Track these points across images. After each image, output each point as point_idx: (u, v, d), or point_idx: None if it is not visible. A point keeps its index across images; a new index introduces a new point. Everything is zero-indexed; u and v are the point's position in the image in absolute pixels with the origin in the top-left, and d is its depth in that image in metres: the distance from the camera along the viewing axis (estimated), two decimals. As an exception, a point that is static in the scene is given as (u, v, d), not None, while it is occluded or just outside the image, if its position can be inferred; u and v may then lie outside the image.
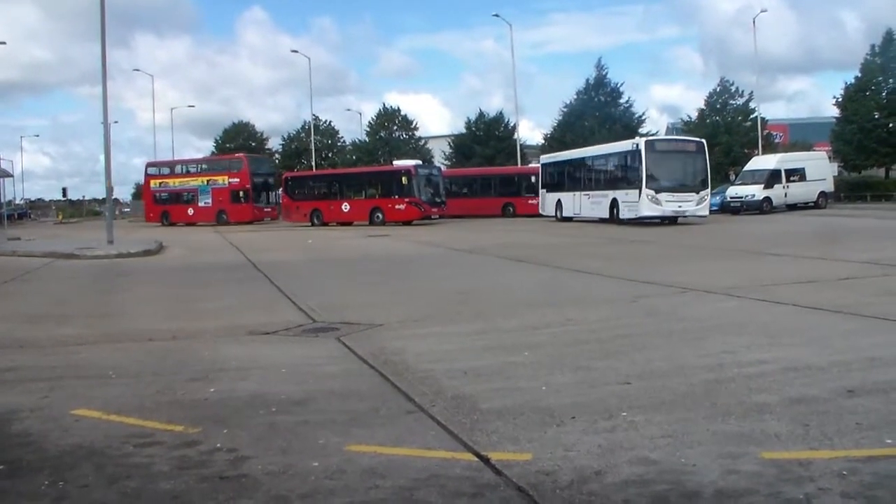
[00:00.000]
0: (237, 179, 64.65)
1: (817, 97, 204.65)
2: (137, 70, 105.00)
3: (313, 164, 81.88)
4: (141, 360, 9.50)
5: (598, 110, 69.25)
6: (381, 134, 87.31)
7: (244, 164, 65.53)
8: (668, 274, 16.63)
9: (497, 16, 71.78)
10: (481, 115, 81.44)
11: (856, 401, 6.64)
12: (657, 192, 37.05)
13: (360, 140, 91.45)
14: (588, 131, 65.15)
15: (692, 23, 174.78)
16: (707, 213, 38.88)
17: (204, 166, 70.11)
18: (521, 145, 73.65)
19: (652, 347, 9.23)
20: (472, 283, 16.98)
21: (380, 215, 49.88)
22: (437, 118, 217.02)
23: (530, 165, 63.52)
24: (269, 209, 66.02)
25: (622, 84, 75.44)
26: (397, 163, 55.57)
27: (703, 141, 40.56)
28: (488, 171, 64.43)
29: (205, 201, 66.22)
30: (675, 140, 44.09)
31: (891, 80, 63.90)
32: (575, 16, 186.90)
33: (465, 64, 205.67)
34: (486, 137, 78.44)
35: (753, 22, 66.33)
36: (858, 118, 62.69)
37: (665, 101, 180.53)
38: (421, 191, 49.21)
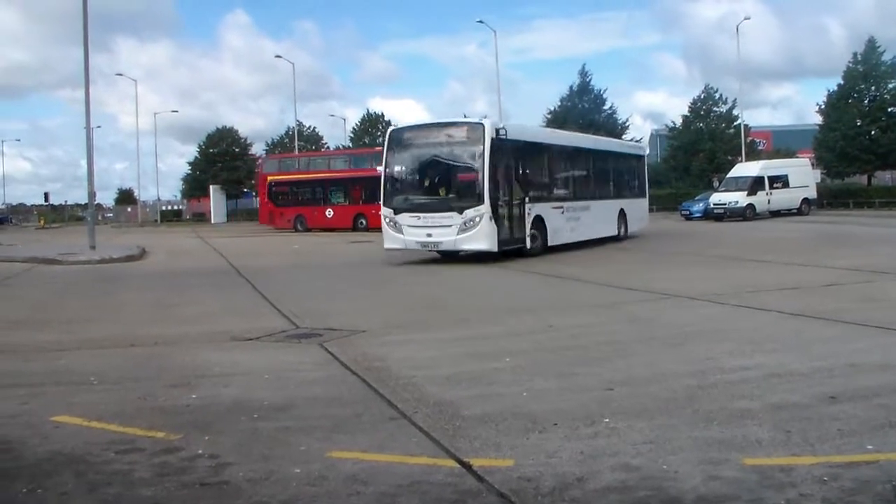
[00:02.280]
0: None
1: (801, 104, 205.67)
2: (121, 75, 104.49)
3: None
4: (122, 366, 9.46)
5: (582, 117, 69.30)
6: (366, 140, 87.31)
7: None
8: (649, 281, 16.65)
9: (481, 22, 71.16)
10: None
11: (837, 407, 6.66)
12: (396, 212, 23.36)
13: (344, 146, 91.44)
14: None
15: (676, 29, 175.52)
16: (487, 246, 22.21)
17: (339, 161, 60.25)
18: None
19: (634, 354, 9.25)
20: (453, 289, 17.00)
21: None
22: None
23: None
24: None
25: (606, 90, 75.76)
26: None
27: (483, 123, 22.90)
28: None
29: (339, 202, 56.04)
30: (429, 126, 25.07)
31: (873, 88, 64.30)
32: (559, 22, 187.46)
33: (448, 70, 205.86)
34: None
35: (737, 29, 66.49)
36: (841, 125, 63.01)
37: (649, 107, 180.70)
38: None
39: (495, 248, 22.20)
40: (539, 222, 24.63)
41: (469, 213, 21.90)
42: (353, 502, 4.96)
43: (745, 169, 51.66)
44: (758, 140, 78.44)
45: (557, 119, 71.16)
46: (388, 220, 23.42)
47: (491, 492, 5.04)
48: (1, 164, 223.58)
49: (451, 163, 23.02)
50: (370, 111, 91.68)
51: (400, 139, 23.97)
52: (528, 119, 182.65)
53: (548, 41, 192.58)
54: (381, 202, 23.95)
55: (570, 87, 75.24)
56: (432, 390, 7.75)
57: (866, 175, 66.62)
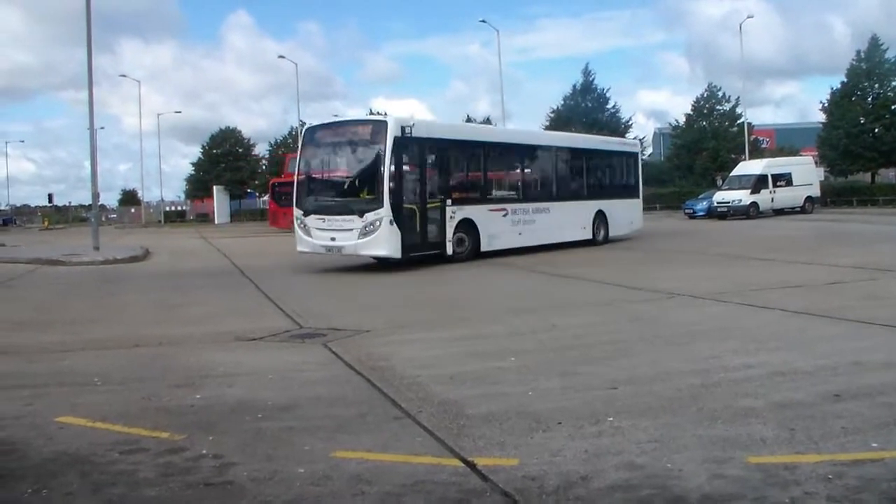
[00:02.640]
0: None
1: (805, 102, 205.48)
2: (124, 76, 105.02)
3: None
4: (126, 367, 9.46)
5: (586, 116, 69.27)
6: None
7: None
8: (654, 279, 16.64)
9: (484, 21, 71.26)
10: (469, 120, 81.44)
11: (842, 405, 6.66)
12: (305, 213, 22.34)
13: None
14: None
15: (679, 28, 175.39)
16: (386, 252, 20.87)
17: None
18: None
19: (638, 353, 9.25)
20: (455, 288, 17.02)
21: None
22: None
23: None
24: None
25: (609, 89, 75.75)
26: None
27: (386, 119, 21.89)
28: None
29: None
30: (337, 124, 24.15)
31: (876, 86, 64.24)
32: (562, 21, 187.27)
33: (451, 69, 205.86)
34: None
35: (740, 27, 66.50)
36: (845, 123, 62.93)
37: (652, 106, 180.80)
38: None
39: (398, 255, 20.84)
40: (468, 226, 23.12)
41: (369, 216, 20.58)
42: (357, 502, 4.96)
43: (749, 167, 51.63)
44: (761, 138, 78.47)
45: (561, 118, 71.18)
46: (298, 221, 22.44)
47: (495, 491, 5.04)
48: (5, 166, 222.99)
49: (354, 163, 21.92)
50: (373, 111, 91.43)
51: (312, 137, 22.97)
52: (532, 119, 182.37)
53: (551, 40, 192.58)
54: (294, 203, 22.88)
55: (574, 87, 75.28)
56: (436, 390, 7.75)
57: (870, 173, 66.54)
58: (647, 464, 5.39)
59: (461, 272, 20.56)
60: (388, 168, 20.40)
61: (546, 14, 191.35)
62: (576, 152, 29.73)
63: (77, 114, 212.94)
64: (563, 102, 75.15)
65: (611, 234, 29.78)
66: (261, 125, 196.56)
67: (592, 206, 29.08)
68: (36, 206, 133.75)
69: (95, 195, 34.95)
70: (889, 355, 8.63)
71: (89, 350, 10.79)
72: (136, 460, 5.82)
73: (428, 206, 21.82)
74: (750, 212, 46.36)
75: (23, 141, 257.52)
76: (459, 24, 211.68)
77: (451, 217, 22.42)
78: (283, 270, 22.10)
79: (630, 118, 76.14)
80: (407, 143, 21.14)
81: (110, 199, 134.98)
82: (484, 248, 23.56)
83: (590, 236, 28.72)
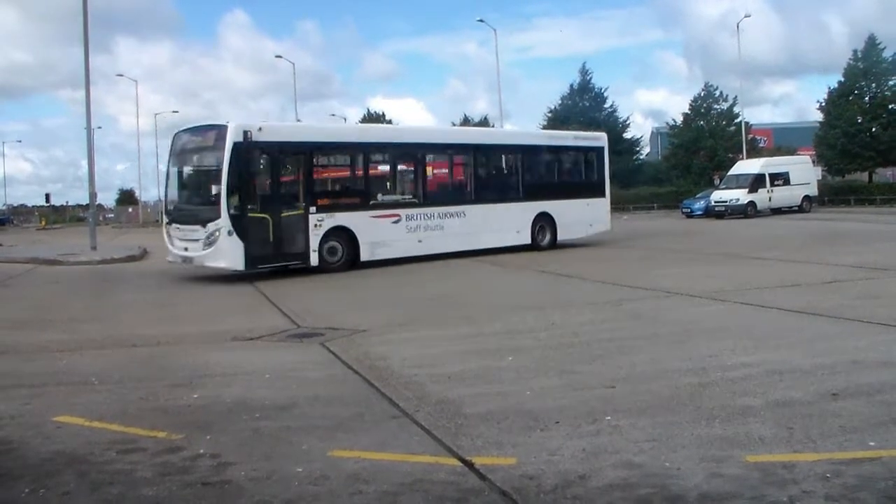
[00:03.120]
0: None
1: (803, 101, 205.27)
2: (121, 75, 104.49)
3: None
4: (124, 367, 9.46)
5: (583, 115, 69.27)
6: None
7: None
8: (652, 278, 16.65)
9: (482, 21, 71.19)
10: (466, 119, 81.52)
11: (839, 403, 6.67)
12: (168, 222, 21.93)
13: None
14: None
15: (676, 27, 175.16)
16: (227, 264, 19.69)
17: None
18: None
19: (636, 351, 9.25)
20: (454, 287, 17.01)
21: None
22: (421, 123, 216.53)
23: None
24: None
25: (606, 89, 75.82)
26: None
27: (226, 125, 20.07)
28: None
29: None
30: (193, 129, 22.06)
31: (874, 85, 64.25)
32: (560, 20, 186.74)
33: (449, 68, 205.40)
34: (471, 143, 78.24)
35: (738, 26, 66.48)
36: (842, 123, 62.93)
37: (650, 105, 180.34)
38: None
39: (240, 267, 19.68)
40: (343, 234, 21.57)
41: (210, 226, 19.56)
42: (355, 501, 4.96)
43: (746, 166, 51.60)
44: (759, 137, 78.35)
45: (558, 118, 71.22)
46: (165, 229, 21.80)
47: (493, 490, 5.04)
48: (2, 165, 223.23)
49: (203, 171, 21.34)
50: (371, 110, 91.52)
51: (175, 143, 21.88)
52: (529, 117, 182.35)
53: (549, 39, 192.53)
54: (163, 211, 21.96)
55: (571, 86, 75.37)
56: (434, 389, 7.75)
57: (867, 172, 66.58)
58: (645, 462, 5.39)
59: (459, 271, 20.55)
60: (226, 176, 19.28)
61: (544, 13, 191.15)
62: (505, 150, 28.12)
63: (74, 113, 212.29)
64: (560, 102, 75.20)
65: (562, 237, 27.30)
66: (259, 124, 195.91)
67: (532, 207, 26.67)
68: (33, 206, 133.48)
69: (93, 195, 34.89)
70: (887, 354, 8.64)
71: (87, 350, 10.79)
72: (133, 460, 5.82)
73: (284, 214, 20.45)
74: (748, 211, 46.34)
75: (20, 141, 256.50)
76: (457, 22, 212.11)
77: (316, 225, 20.93)
78: (280, 270, 22.06)
79: (628, 117, 76.40)
80: (253, 149, 19.90)
81: (108, 198, 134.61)
82: (365, 257, 21.89)
83: (528, 241, 26.35)
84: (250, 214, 19.67)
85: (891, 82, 63.63)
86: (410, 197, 24.66)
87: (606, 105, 74.12)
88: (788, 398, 6.92)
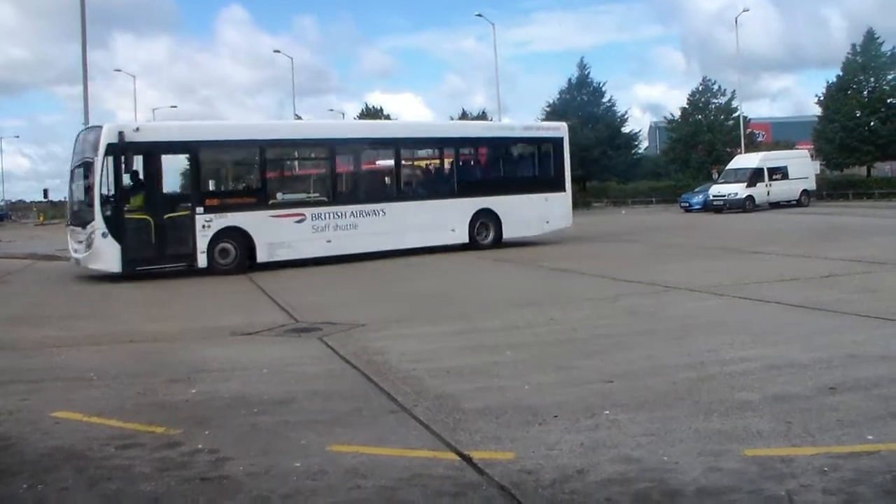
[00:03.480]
0: None
1: (801, 95, 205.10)
2: (119, 70, 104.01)
3: (296, 164, 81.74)
4: (122, 362, 9.46)
5: (581, 110, 69.17)
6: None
7: None
8: (650, 273, 16.65)
9: (480, 15, 71.05)
10: (464, 114, 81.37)
11: (837, 397, 6.67)
12: (67, 223, 22.86)
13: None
14: (571, 131, 65.18)
15: (675, 22, 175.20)
16: (105, 266, 19.64)
17: None
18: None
19: (634, 346, 9.25)
20: (451, 283, 17.02)
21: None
22: (419, 118, 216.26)
23: None
24: None
25: (604, 83, 75.72)
26: (379, 163, 55.64)
27: (101, 126, 20.22)
28: None
29: None
30: (87, 130, 22.16)
31: (872, 80, 64.24)
32: (558, 15, 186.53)
33: (447, 63, 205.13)
34: (468, 137, 78.22)
35: (736, 21, 66.41)
36: (840, 117, 62.92)
37: (648, 100, 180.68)
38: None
39: (117, 269, 19.35)
40: (237, 235, 20.91)
41: (88, 228, 19.54)
42: (353, 496, 4.96)
43: (745, 161, 51.58)
44: (757, 132, 78.29)
45: (556, 112, 71.06)
46: (68, 230, 21.72)
47: (491, 484, 5.04)
48: (0, 161, 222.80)
49: (86, 172, 20.20)
50: (369, 105, 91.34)
51: (75, 143, 21.63)
52: (528, 112, 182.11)
53: (547, 34, 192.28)
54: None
55: (569, 80, 75.09)
56: (432, 383, 7.75)
57: (865, 166, 66.58)
58: (643, 457, 5.39)
59: (458, 266, 20.55)
60: (98, 178, 19.11)
61: (542, 7, 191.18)
62: (434, 143, 26.50)
63: (72, 109, 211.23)
64: (558, 96, 75.08)
65: (509, 235, 25.76)
66: (256, 119, 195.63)
67: (470, 203, 25.16)
68: (31, 202, 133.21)
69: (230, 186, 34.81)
70: (884, 348, 8.63)
71: (85, 345, 10.80)
72: (131, 455, 5.81)
73: (168, 215, 20.11)
74: (746, 205, 46.33)
75: (17, 136, 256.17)
76: (455, 17, 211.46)
77: (204, 226, 20.38)
78: (278, 265, 22.04)
79: (626, 112, 75.80)
80: (129, 150, 19.43)
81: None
82: (262, 258, 21.19)
83: (465, 239, 24.96)
84: (128, 216, 19.52)
85: (889, 76, 63.62)
86: (318, 195, 23.98)
87: (605, 99, 73.87)
88: (786, 392, 6.92)
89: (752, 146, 66.91)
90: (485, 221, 25.43)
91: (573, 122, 65.32)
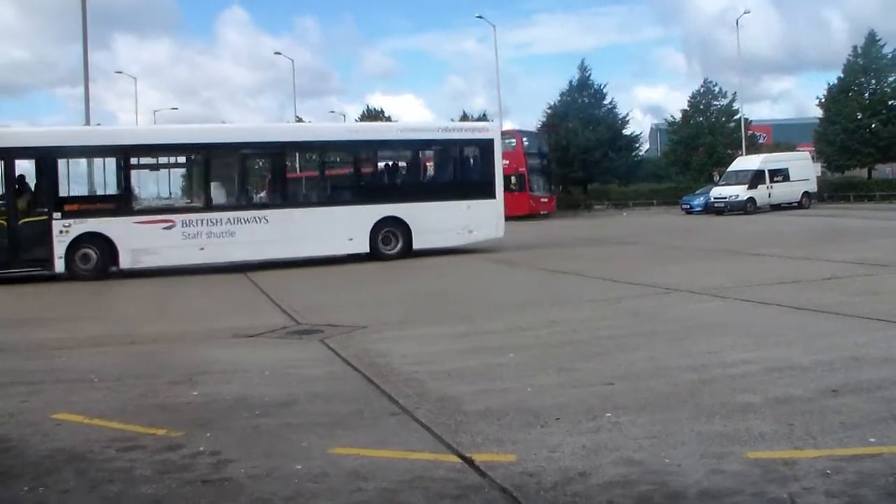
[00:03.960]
0: (506, 162, 43.94)
1: (802, 97, 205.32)
2: (120, 72, 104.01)
3: (297, 165, 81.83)
4: (123, 364, 9.44)
5: (582, 111, 69.13)
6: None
7: (517, 143, 51.71)
8: (652, 274, 16.64)
9: (481, 17, 71.31)
10: (465, 116, 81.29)
11: (840, 400, 6.66)
12: None
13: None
14: (572, 133, 65.15)
15: (676, 23, 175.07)
16: None
17: None
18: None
19: (636, 348, 9.24)
20: (452, 284, 17.01)
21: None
22: (420, 119, 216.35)
23: None
24: (545, 199, 54.27)
25: (605, 85, 75.42)
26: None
27: None
28: None
29: None
30: None
31: (873, 81, 64.24)
32: (559, 16, 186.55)
33: (448, 65, 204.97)
34: (470, 139, 78.26)
35: (737, 22, 66.47)
36: (842, 119, 62.90)
37: (649, 101, 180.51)
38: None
39: None
40: (99, 240, 20.54)
41: None
42: (355, 498, 4.95)
43: (746, 163, 51.66)
44: (758, 134, 78.27)
45: (557, 114, 71.08)
46: None
47: (493, 487, 5.03)
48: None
49: None
50: (370, 107, 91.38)
51: None
52: (529, 114, 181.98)
53: (548, 35, 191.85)
54: None
55: (570, 82, 75.00)
56: (434, 386, 7.74)
57: (867, 168, 66.58)
58: (645, 459, 5.38)
59: (460, 268, 20.56)
60: None
61: (543, 9, 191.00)
62: (328, 147, 25.17)
63: (72, 110, 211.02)
64: (559, 98, 75.07)
65: (421, 245, 23.62)
66: (257, 121, 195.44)
67: (371, 210, 23.38)
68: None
69: (92, 192, 34.88)
70: (886, 350, 8.63)
71: (85, 347, 10.78)
72: (132, 457, 5.80)
73: (22, 220, 20.05)
74: (747, 207, 46.38)
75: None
76: (456, 19, 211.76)
77: (62, 231, 20.11)
78: (279, 266, 22.03)
79: (627, 114, 76.07)
80: None
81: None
82: (126, 264, 20.82)
83: (365, 249, 23.29)
84: None
85: (890, 78, 63.61)
86: (190, 201, 23.43)
87: (606, 101, 73.77)
88: (788, 395, 6.91)
89: (753, 148, 66.93)
90: (392, 230, 23.68)
91: (573, 124, 65.56)
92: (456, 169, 25.92)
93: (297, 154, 25.21)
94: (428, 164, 26.56)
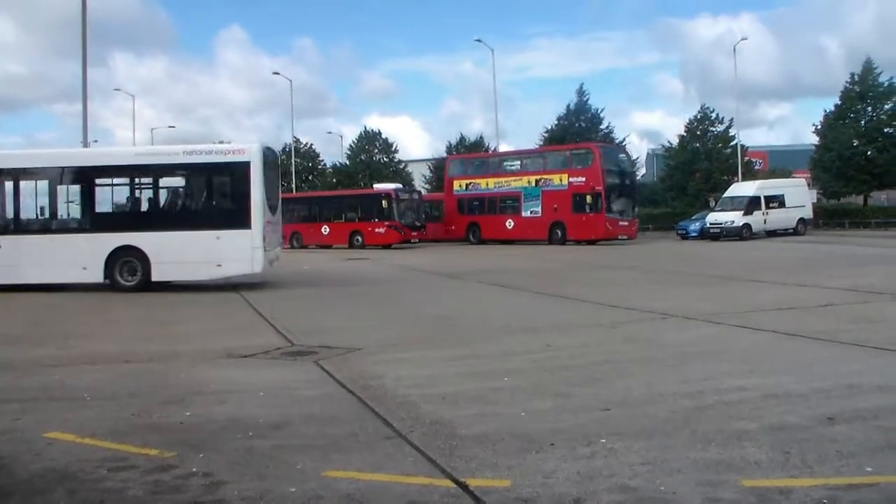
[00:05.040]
0: (583, 179, 46.64)
1: (798, 124, 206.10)
2: (118, 90, 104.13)
3: (293, 186, 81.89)
4: (116, 383, 9.40)
5: (579, 136, 69.36)
6: (362, 157, 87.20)
7: (595, 158, 46.94)
8: (648, 300, 16.63)
9: (479, 41, 71.50)
10: (462, 138, 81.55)
11: (836, 428, 6.64)
12: None
13: (340, 163, 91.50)
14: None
15: (673, 49, 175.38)
16: None
17: (531, 161, 52.82)
18: (501, 170, 74.13)
19: (632, 374, 9.22)
20: (452, 308, 16.93)
21: (359, 238, 49.86)
22: (417, 141, 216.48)
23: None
24: (626, 222, 47.28)
25: (603, 110, 75.79)
26: (378, 186, 55.74)
27: None
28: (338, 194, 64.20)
29: (531, 210, 49.21)
30: None
31: (869, 109, 64.54)
32: (558, 41, 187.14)
33: (446, 87, 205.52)
34: (467, 161, 78.56)
35: (734, 49, 66.73)
36: (838, 146, 63.16)
37: (646, 127, 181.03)
38: (401, 214, 49.11)
39: None
40: None
41: None
42: (348, 522, 4.92)
43: (742, 189, 51.75)
44: (754, 160, 78.50)
45: (555, 138, 71.25)
46: None
47: (488, 512, 5.00)
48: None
49: None
50: (367, 128, 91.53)
51: None
52: (526, 138, 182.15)
53: (546, 60, 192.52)
54: None
55: (568, 106, 75.34)
56: (429, 409, 7.71)
57: (862, 195, 66.78)
58: (640, 486, 5.35)
59: (457, 292, 20.55)
60: None
61: (542, 33, 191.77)
62: (54, 172, 23.05)
63: (70, 126, 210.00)
64: (556, 122, 75.28)
65: (160, 277, 21.97)
66: (254, 141, 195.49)
67: (105, 239, 21.92)
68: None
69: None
70: (883, 378, 8.62)
71: (79, 365, 10.74)
72: (124, 477, 5.77)
73: None
74: (743, 233, 46.44)
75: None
76: (454, 42, 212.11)
77: None
78: (274, 286, 22.01)
79: (624, 138, 75.94)
80: None
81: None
82: None
83: (99, 279, 21.90)
84: None
85: (887, 106, 63.91)
86: None
87: (602, 126, 74.11)
88: (784, 422, 6.89)
89: (750, 174, 67.17)
90: (129, 260, 22.05)
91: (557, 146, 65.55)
92: (204, 195, 23.72)
93: (29, 179, 23.01)
94: (171, 190, 23.83)
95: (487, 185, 52.34)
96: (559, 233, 46.80)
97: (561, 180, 47.60)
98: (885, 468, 5.60)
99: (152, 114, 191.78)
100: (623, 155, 53.68)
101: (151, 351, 11.63)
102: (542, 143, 72.66)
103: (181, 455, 6.29)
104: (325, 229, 52.12)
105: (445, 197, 55.35)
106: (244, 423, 7.30)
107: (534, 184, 49.16)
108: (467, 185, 53.62)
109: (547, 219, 47.76)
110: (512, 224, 49.99)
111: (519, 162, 53.70)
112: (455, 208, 53.94)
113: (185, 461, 6.13)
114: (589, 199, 45.27)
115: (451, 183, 54.96)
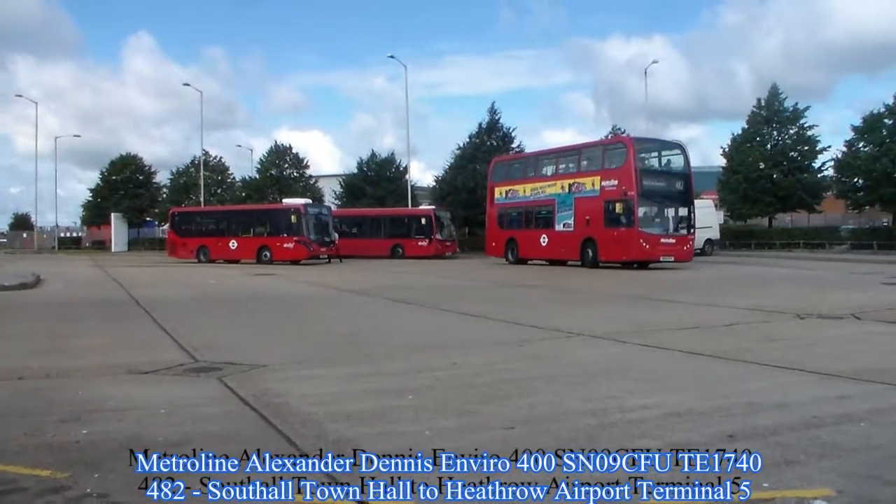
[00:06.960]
0: (615, 182, 37.61)
1: (707, 145, 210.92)
2: (20, 96, 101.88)
3: (202, 199, 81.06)
4: (8, 400, 9.10)
5: (490, 154, 69.93)
6: (272, 171, 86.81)
7: (629, 155, 37.52)
8: (554, 318, 16.74)
9: (392, 57, 71.67)
10: (373, 155, 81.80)
11: (735, 445, 6.71)
12: None
13: (250, 177, 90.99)
14: (480, 175, 65.63)
15: (585, 69, 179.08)
16: None
17: (565, 161, 43.24)
18: (412, 187, 74.61)
19: (536, 392, 9.23)
20: (359, 325, 16.84)
21: (267, 254, 49.60)
22: (328, 157, 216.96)
23: (420, 207, 64.14)
24: (671, 239, 38.09)
25: (514, 129, 76.58)
26: (287, 201, 55.60)
27: None
28: (378, 213, 64.38)
29: (564, 223, 40.79)
30: None
31: (775, 133, 66.31)
32: (471, 58, 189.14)
33: (357, 103, 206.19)
34: (378, 178, 78.97)
35: (645, 71, 68.02)
36: (744, 168, 64.74)
37: (557, 146, 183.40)
38: (310, 230, 48.91)
39: None
40: None
41: None
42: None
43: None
44: (663, 181, 79.72)
45: (465, 156, 71.76)
46: None
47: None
48: None
49: None
50: (278, 142, 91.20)
51: None
52: (438, 154, 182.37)
53: (459, 77, 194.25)
54: None
55: (480, 125, 76.01)
56: (333, 427, 7.62)
57: (767, 217, 68.40)
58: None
59: (363, 308, 20.47)
60: None
61: (455, 50, 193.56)
62: None
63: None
64: (468, 140, 75.81)
65: None
66: (161, 152, 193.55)
67: None
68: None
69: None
70: (782, 396, 8.77)
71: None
72: (11, 500, 5.57)
73: None
74: (650, 253, 47.02)
75: None
76: (366, 57, 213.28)
77: None
78: (180, 302, 21.71)
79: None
80: None
81: (1, 222, 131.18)
82: None
83: None
84: None
85: (791, 131, 65.86)
86: None
87: (514, 145, 74.89)
88: (686, 440, 6.95)
89: (658, 195, 68.16)
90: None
91: (481, 167, 66.02)
92: None
93: None
94: None
95: (525, 191, 44.20)
96: (590, 252, 38.71)
97: (593, 184, 38.76)
98: (781, 483, 5.69)
99: (56, 121, 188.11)
100: (674, 151, 42.14)
101: (47, 367, 11.29)
102: (453, 160, 73.09)
103: (75, 475, 6.10)
104: (233, 244, 51.79)
105: (487, 208, 48.42)
106: (143, 442, 7.11)
107: (567, 189, 40.54)
108: (507, 193, 45.76)
109: (579, 234, 39.46)
110: (546, 240, 41.85)
111: (554, 162, 43.98)
112: (496, 222, 46.64)
113: (80, 482, 5.94)
114: (618, 208, 36.83)
115: (492, 190, 47.43)
